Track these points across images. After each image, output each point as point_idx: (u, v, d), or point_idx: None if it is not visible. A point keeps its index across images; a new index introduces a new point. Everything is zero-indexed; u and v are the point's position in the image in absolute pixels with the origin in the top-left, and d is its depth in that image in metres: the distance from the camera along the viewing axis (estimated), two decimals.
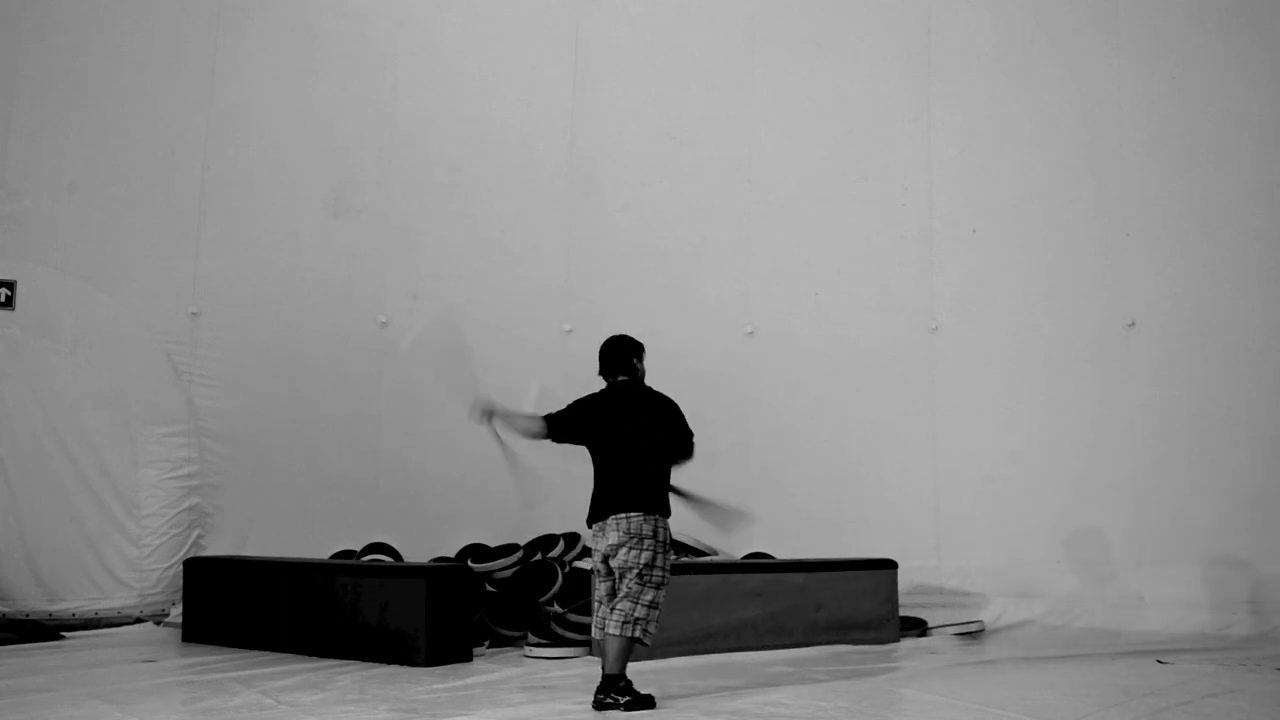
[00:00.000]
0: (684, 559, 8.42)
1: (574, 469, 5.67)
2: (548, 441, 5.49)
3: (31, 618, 8.31)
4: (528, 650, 7.29)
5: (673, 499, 5.48)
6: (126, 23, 9.18)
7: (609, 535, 5.32)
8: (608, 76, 10.32)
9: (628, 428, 5.40)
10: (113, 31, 9.14)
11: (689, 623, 7.13)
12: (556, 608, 7.80)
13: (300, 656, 7.00)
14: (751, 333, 9.97)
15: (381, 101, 9.98)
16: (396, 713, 5.29)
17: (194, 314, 9.18)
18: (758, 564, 8.42)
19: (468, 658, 6.97)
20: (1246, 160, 8.90)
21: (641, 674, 6.35)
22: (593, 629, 5.41)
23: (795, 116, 10.14)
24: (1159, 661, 6.94)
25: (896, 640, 8.05)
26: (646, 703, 5.18)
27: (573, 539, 8.57)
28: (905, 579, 8.46)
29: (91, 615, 8.50)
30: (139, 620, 8.58)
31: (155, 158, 9.19)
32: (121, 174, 9.06)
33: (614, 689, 5.19)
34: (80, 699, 5.58)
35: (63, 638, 8.01)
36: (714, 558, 8.94)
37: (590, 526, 5.45)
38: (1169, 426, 8.86)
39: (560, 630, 7.45)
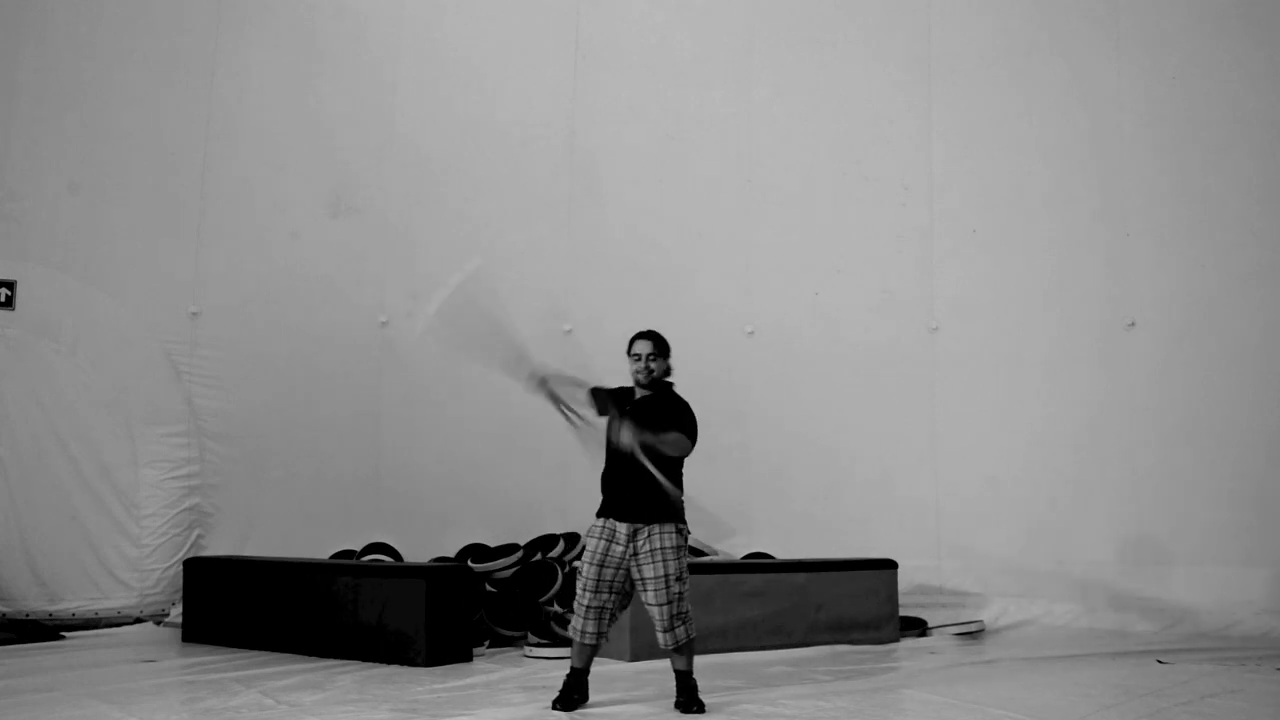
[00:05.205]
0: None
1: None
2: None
3: (31, 618, 8.31)
4: (528, 650, 7.30)
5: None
6: (126, 23, 9.17)
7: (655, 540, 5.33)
8: (608, 76, 10.31)
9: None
10: (113, 32, 9.13)
11: None
12: (556, 608, 7.80)
13: (300, 656, 7.00)
14: (751, 333, 9.97)
15: (381, 101, 9.99)
16: (397, 713, 5.30)
17: (194, 314, 9.18)
18: (758, 564, 8.43)
19: (468, 658, 6.98)
20: (1246, 160, 8.89)
21: (641, 674, 6.37)
22: (578, 626, 5.36)
23: (795, 116, 10.14)
24: (1159, 661, 6.94)
25: (896, 640, 8.06)
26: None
27: (573, 539, 8.57)
28: (905, 579, 8.46)
29: (91, 615, 8.50)
30: (139, 620, 8.58)
31: (155, 158, 9.19)
32: (121, 174, 9.05)
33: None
34: (80, 699, 5.58)
35: (63, 638, 8.01)
36: (714, 558, 8.95)
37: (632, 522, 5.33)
38: (1169, 426, 8.86)
39: (560, 630, 7.45)
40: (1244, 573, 8.40)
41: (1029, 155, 9.47)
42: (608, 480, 5.43)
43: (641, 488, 5.31)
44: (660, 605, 5.26)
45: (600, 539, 5.34)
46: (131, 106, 9.13)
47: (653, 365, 5.42)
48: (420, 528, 9.30)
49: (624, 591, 5.38)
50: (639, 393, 5.49)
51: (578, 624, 5.34)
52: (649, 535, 5.31)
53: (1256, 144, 8.86)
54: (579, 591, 5.35)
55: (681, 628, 5.31)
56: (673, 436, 5.21)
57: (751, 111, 10.18)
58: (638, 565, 5.30)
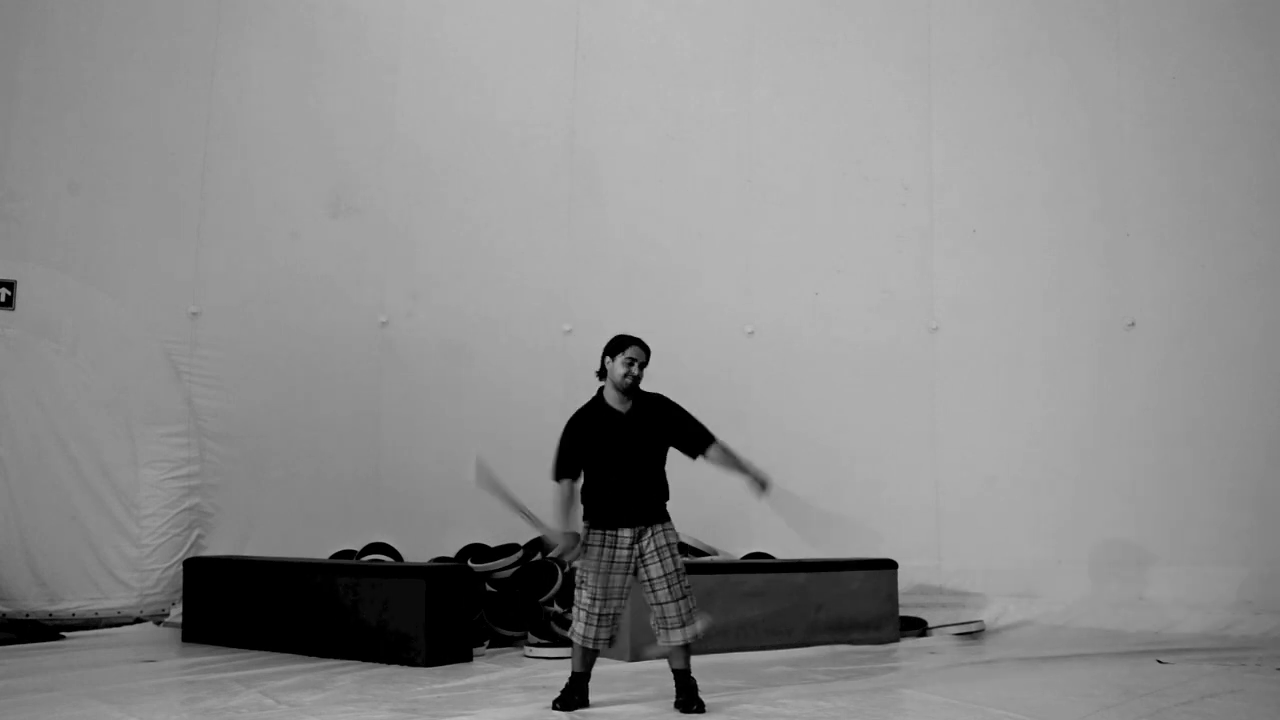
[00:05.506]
0: (684, 559, 8.41)
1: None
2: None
3: (31, 618, 8.32)
4: (528, 650, 7.30)
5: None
6: (126, 23, 9.18)
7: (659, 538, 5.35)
8: (608, 76, 10.31)
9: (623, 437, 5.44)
10: (113, 32, 9.14)
11: None
12: (556, 608, 7.80)
13: (300, 656, 7.00)
14: (751, 333, 9.96)
15: (381, 101, 9.98)
16: (397, 713, 5.30)
17: (194, 314, 9.18)
18: (758, 564, 8.43)
19: (468, 658, 6.98)
20: (1246, 160, 8.89)
21: (641, 674, 6.37)
22: (589, 634, 5.36)
23: (795, 116, 10.13)
24: (1159, 661, 6.94)
25: (896, 640, 8.06)
26: None
27: (573, 539, 8.55)
28: (905, 579, 8.46)
29: (91, 615, 8.51)
30: (139, 620, 8.59)
31: (155, 158, 9.19)
32: (121, 174, 9.06)
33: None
34: (80, 699, 5.58)
35: (63, 638, 8.01)
36: (714, 558, 8.95)
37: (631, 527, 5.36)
38: (1169, 426, 8.86)
39: (560, 630, 7.46)
40: (1245, 573, 8.39)
41: (1029, 155, 9.47)
42: (602, 491, 5.37)
43: (644, 491, 5.34)
44: (674, 600, 5.29)
45: (603, 546, 5.32)
46: (131, 106, 9.13)
47: (641, 374, 5.41)
48: (420, 528, 9.30)
49: (627, 595, 5.40)
50: (619, 401, 5.42)
51: (589, 632, 5.31)
52: (652, 535, 5.34)
53: (1256, 144, 8.85)
54: (587, 601, 5.30)
55: (695, 622, 5.34)
56: (718, 449, 5.48)
57: (751, 111, 10.17)
58: (644, 566, 5.31)
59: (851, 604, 7.94)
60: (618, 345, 5.43)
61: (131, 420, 8.86)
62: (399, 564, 8.54)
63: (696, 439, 5.48)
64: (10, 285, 8.62)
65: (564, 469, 5.38)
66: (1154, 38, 9.18)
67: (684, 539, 8.52)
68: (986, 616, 8.70)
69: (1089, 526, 8.96)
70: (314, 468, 9.45)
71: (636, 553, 5.31)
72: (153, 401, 8.96)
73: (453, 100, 10.14)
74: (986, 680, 6.28)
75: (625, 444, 5.37)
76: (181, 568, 8.37)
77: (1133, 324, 9.02)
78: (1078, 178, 9.36)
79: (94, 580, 8.62)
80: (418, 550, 8.97)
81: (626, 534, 5.31)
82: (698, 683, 5.38)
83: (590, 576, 5.31)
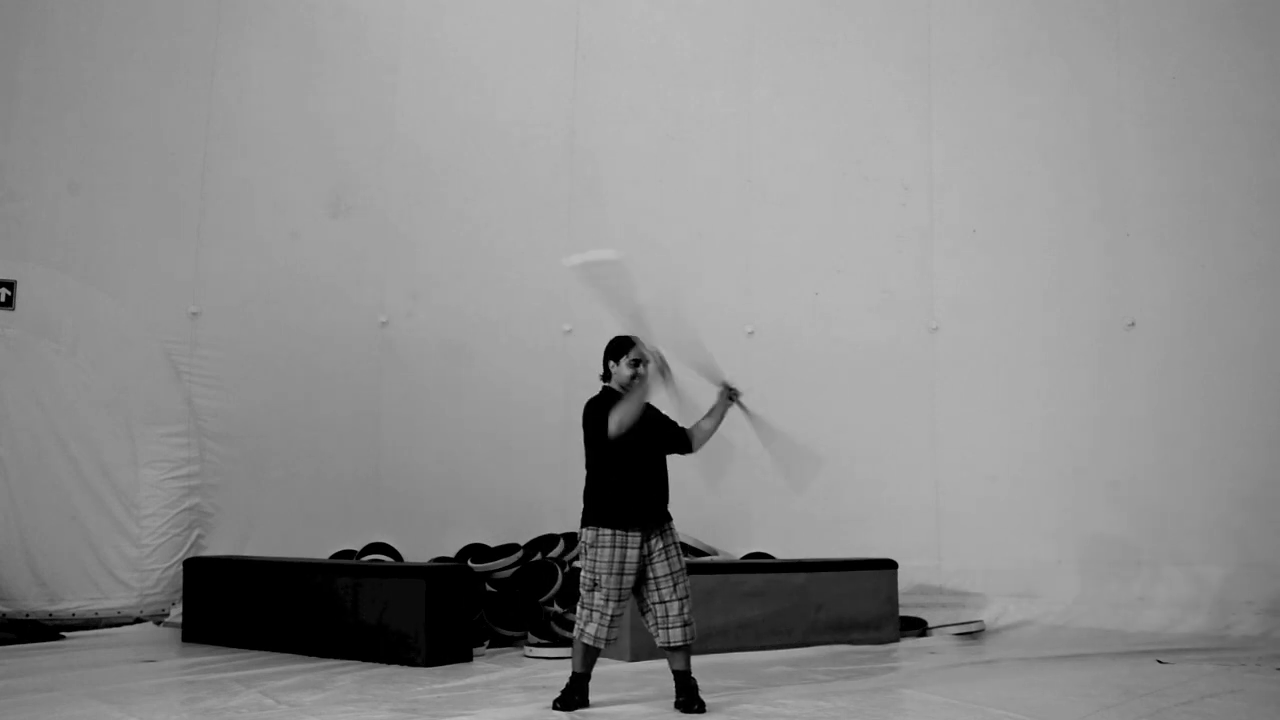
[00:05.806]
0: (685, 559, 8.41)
1: None
2: None
3: (31, 618, 8.32)
4: (528, 650, 7.30)
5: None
6: (126, 23, 9.18)
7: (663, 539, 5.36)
8: (608, 76, 10.32)
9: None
10: (113, 32, 9.14)
11: None
12: (556, 608, 7.81)
13: (300, 656, 7.01)
14: (751, 333, 9.97)
15: (381, 101, 9.99)
16: (397, 713, 5.30)
17: (194, 314, 9.18)
18: (758, 564, 8.43)
19: (468, 658, 6.98)
20: (1247, 160, 8.89)
21: (641, 674, 6.37)
22: (602, 634, 5.34)
23: (795, 116, 10.14)
24: (1159, 661, 6.94)
25: (896, 640, 8.06)
26: None
27: (573, 539, 8.57)
28: (905, 579, 8.46)
29: (91, 615, 8.51)
30: (139, 620, 8.59)
31: (155, 158, 9.19)
32: (121, 174, 9.05)
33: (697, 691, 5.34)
34: (80, 699, 5.58)
35: (63, 638, 8.01)
36: (714, 558, 8.95)
37: (629, 530, 5.31)
38: (1169, 426, 8.86)
39: (561, 630, 7.46)
40: (1244, 573, 8.39)
41: (1029, 155, 9.47)
42: (616, 489, 5.30)
43: (653, 489, 5.37)
44: (680, 599, 5.31)
45: (615, 547, 5.28)
46: (131, 106, 9.13)
47: (646, 373, 5.42)
48: (420, 528, 9.31)
49: (630, 596, 5.41)
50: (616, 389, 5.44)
51: (601, 633, 5.28)
52: (660, 534, 5.36)
53: (1256, 144, 8.85)
54: (601, 602, 5.27)
55: (694, 623, 5.35)
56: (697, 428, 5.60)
57: (751, 111, 10.18)
58: (652, 565, 5.32)
59: (851, 604, 7.94)
60: (619, 347, 5.43)
61: (131, 420, 8.86)
62: (399, 564, 8.54)
63: (680, 433, 5.55)
64: (10, 285, 8.62)
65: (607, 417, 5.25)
66: (1154, 38, 9.18)
67: (684, 539, 8.51)
68: (986, 616, 8.70)
69: (1089, 526, 8.96)
70: (314, 468, 9.45)
71: (645, 552, 5.32)
72: (153, 401, 8.96)
73: (453, 100, 10.15)
74: (986, 680, 6.28)
75: (638, 437, 5.33)
76: (181, 568, 8.38)
77: (1133, 324, 9.02)
78: (1078, 178, 9.35)
79: (94, 580, 8.62)
80: (418, 550, 8.97)
81: (637, 535, 5.31)
82: (698, 683, 5.38)
83: (604, 578, 5.28)
